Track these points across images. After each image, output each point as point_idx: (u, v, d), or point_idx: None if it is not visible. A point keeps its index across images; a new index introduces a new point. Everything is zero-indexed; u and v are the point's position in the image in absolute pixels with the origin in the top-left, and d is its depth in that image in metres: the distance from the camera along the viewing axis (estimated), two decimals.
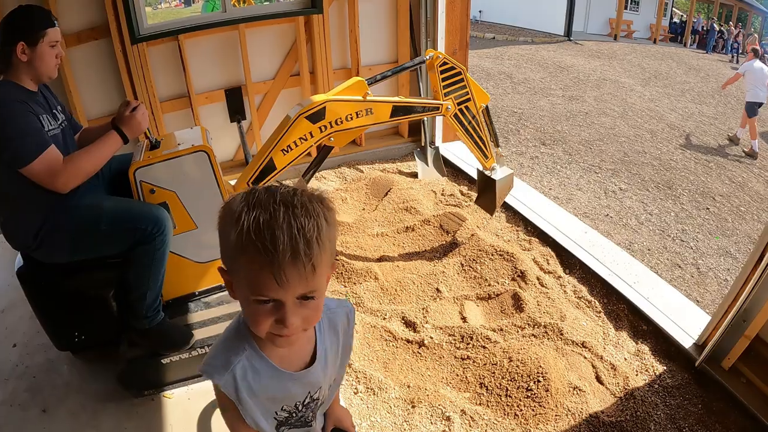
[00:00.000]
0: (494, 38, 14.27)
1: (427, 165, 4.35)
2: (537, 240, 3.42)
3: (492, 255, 3.15)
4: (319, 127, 2.49)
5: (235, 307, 2.32)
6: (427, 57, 2.77)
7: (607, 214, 5.19)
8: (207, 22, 3.75)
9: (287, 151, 2.48)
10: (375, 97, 2.59)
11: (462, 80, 2.86)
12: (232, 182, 3.88)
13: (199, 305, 2.38)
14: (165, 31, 3.62)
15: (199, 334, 2.22)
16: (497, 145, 3.17)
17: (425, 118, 4.41)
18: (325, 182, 4.29)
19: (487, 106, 3.05)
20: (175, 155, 2.11)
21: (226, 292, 2.33)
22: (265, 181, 2.50)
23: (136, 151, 2.23)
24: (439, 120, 4.53)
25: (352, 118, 2.55)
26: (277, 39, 4.08)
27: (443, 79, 2.81)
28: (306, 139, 2.49)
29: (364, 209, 3.87)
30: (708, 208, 5.69)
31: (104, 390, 2.24)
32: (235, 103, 4.09)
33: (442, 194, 3.99)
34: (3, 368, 2.42)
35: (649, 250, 4.78)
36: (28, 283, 2.05)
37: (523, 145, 6.88)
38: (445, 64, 2.78)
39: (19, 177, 1.77)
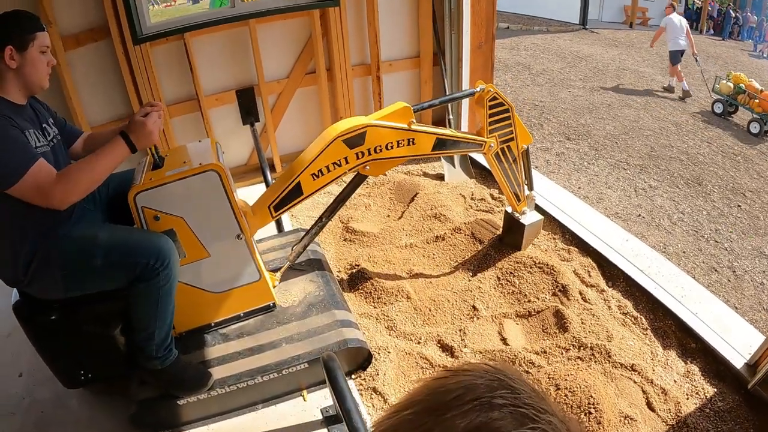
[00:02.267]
0: (508, 28, 13.90)
1: (454, 167, 4.10)
2: (576, 249, 3.19)
3: (530, 267, 2.93)
4: (356, 153, 2.25)
5: (257, 341, 2.14)
6: (478, 89, 2.56)
7: (639, 215, 4.95)
8: (214, 18, 3.49)
9: (317, 176, 2.22)
10: (420, 126, 2.37)
11: (509, 118, 2.67)
12: (244, 190, 3.71)
13: (216, 338, 2.16)
14: (169, 30, 3.37)
15: (217, 373, 2.00)
16: (531, 189, 3.00)
17: (450, 116, 4.16)
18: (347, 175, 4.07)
19: (528, 148, 2.87)
20: (180, 176, 1.87)
21: (246, 322, 2.21)
22: (289, 207, 2.26)
23: (137, 168, 2.00)
24: (464, 118, 4.28)
25: (392, 147, 2.31)
26: (291, 34, 3.83)
27: (490, 115, 2.61)
28: (340, 165, 2.24)
29: (389, 216, 3.65)
30: (739, 206, 5.46)
31: (116, 427, 2.07)
32: (248, 104, 3.86)
33: (472, 198, 3.75)
34: (9, 401, 2.28)
35: (684, 252, 4.55)
36: (25, 319, 1.84)
37: (547, 140, 6.63)
38: (495, 99, 2.59)
39: (3, 204, 1.57)
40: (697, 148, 6.61)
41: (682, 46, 8.69)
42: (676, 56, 8.70)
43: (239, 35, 3.65)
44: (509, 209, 3.06)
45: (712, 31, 15.92)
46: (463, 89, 4.09)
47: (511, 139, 2.72)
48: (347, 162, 2.25)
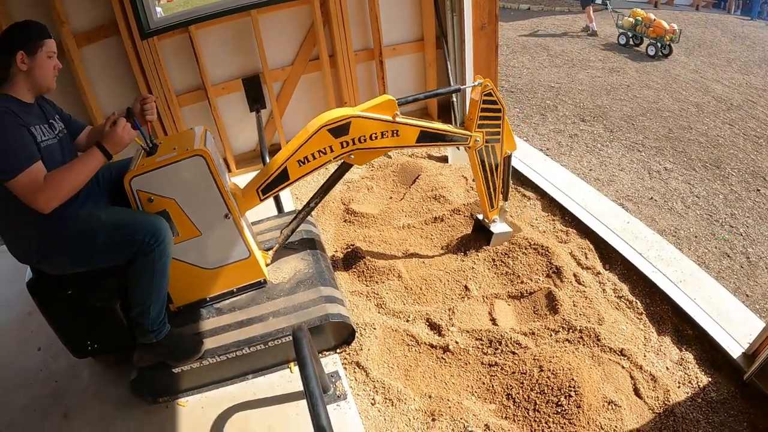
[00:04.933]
0: (529, 9, 13.70)
1: (458, 149, 4.11)
2: (575, 231, 3.19)
3: (526, 248, 2.95)
4: (341, 143, 2.33)
5: (247, 314, 2.26)
6: (476, 83, 2.58)
7: (651, 197, 4.85)
8: (217, 10, 3.59)
9: (303, 163, 2.33)
10: (404, 119, 2.42)
11: (499, 118, 2.67)
12: (237, 179, 3.82)
13: (210, 312, 2.30)
14: (174, 24, 3.49)
15: (210, 343, 2.14)
16: (505, 199, 2.96)
17: (455, 97, 4.17)
18: (351, 170, 4.14)
19: (510, 155, 2.84)
20: (170, 161, 2.00)
21: (238, 298, 2.33)
22: (276, 191, 2.37)
23: (134, 156, 2.15)
24: (470, 98, 4.27)
25: (376, 138, 2.38)
26: (293, 23, 3.90)
27: (482, 110, 2.61)
28: (325, 153, 2.34)
29: (391, 198, 3.71)
30: (758, 190, 5.27)
31: (122, 396, 2.24)
32: (254, 91, 3.96)
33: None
34: (27, 373, 2.46)
35: (695, 237, 4.45)
36: (38, 295, 2.03)
37: (561, 122, 6.52)
38: (490, 95, 2.59)
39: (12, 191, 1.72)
40: (718, 130, 6.41)
41: None
42: (586, 1, 10.72)
43: (242, 25, 3.74)
44: (480, 216, 3.05)
45: (740, 11, 15.25)
46: (466, 73, 4.10)
47: (497, 141, 2.72)
48: (332, 150, 2.34)
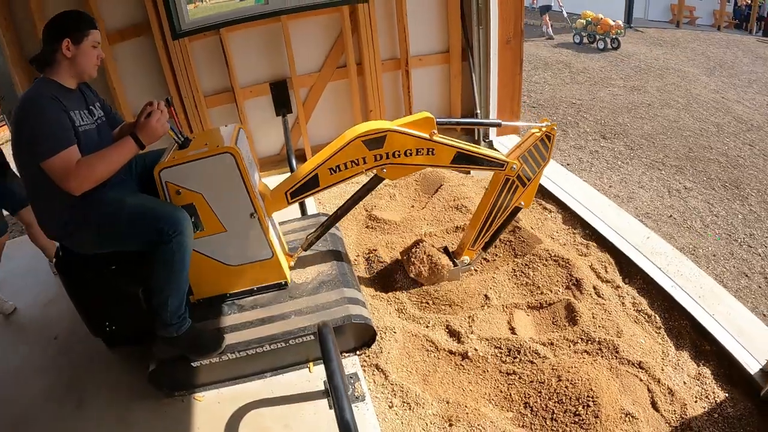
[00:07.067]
0: (564, 27, 13.84)
1: None
2: (595, 245, 3.19)
3: (546, 260, 2.95)
4: (375, 155, 2.31)
5: (269, 312, 2.28)
6: (544, 125, 2.51)
7: (671, 215, 4.84)
8: (248, 15, 3.67)
9: (335, 171, 2.32)
10: (441, 138, 2.36)
11: (539, 165, 2.59)
12: (275, 178, 3.87)
13: (232, 308, 2.32)
14: (206, 26, 3.59)
15: (230, 339, 2.16)
16: (486, 249, 2.84)
17: (478, 110, 4.20)
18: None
19: (518, 210, 2.72)
20: (199, 156, 2.04)
21: (261, 296, 2.35)
22: (305, 196, 2.37)
23: (168, 148, 2.19)
24: (493, 111, 4.30)
25: (410, 154, 2.34)
26: (322, 30, 3.98)
27: (534, 146, 2.52)
28: (357, 164, 2.32)
29: (413, 206, 3.74)
30: None
31: (137, 388, 2.25)
32: (281, 96, 4.03)
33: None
34: (45, 361, 2.51)
35: (714, 255, 4.43)
36: (64, 272, 2.11)
37: (582, 138, 6.56)
38: (549, 139, 2.52)
39: None
40: (738, 150, 6.37)
41: (550, 2, 13.70)
42: (543, 9, 13.33)
43: (272, 31, 3.82)
44: (453, 250, 2.88)
45: (761, 33, 15.20)
46: (491, 86, 4.14)
47: (522, 185, 2.60)
48: (365, 162, 2.32)
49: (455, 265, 2.80)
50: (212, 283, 2.32)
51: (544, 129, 2.50)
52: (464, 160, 2.44)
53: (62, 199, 1.85)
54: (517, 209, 2.71)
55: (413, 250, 2.81)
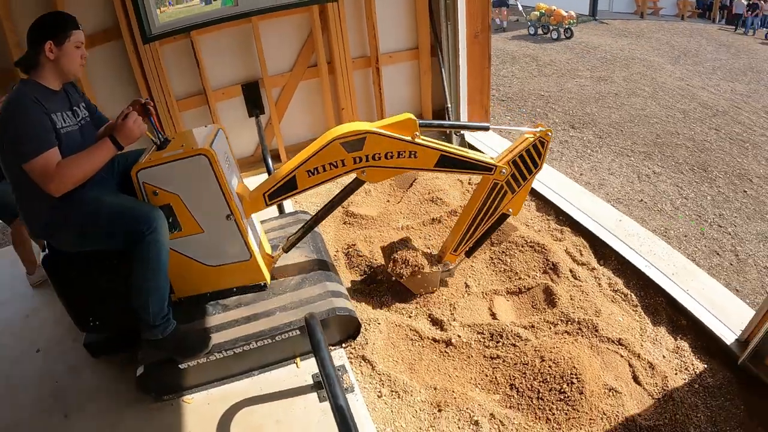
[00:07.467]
0: (517, 21, 14.07)
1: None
2: (569, 230, 3.27)
3: (522, 247, 3.02)
4: (354, 158, 2.24)
5: (253, 310, 2.29)
6: (539, 129, 2.41)
7: (641, 200, 4.98)
8: (218, 17, 3.66)
9: (313, 174, 2.26)
10: (424, 140, 2.28)
11: (531, 172, 2.50)
12: (251, 179, 3.86)
13: (216, 308, 2.33)
14: (176, 29, 3.56)
15: (217, 338, 2.16)
16: (469, 255, 2.77)
17: (449, 104, 4.24)
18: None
19: (506, 217, 2.65)
20: (174, 158, 2.05)
21: (246, 296, 2.35)
22: (283, 198, 2.35)
23: (147, 149, 2.19)
24: (464, 105, 4.36)
25: (391, 157, 2.26)
26: (292, 30, 3.99)
27: (527, 151, 2.43)
28: (336, 166, 2.25)
29: (388, 201, 3.77)
30: (745, 191, 5.43)
31: (124, 395, 2.24)
32: (253, 97, 4.03)
33: (469, 183, 3.84)
34: (28, 374, 2.47)
35: (685, 236, 4.58)
36: (50, 271, 2.11)
37: (551, 129, 6.67)
38: (543, 144, 2.44)
39: None
40: (704, 135, 6.57)
41: None
42: (498, 2, 13.94)
43: (243, 32, 3.81)
44: (437, 252, 2.82)
45: (723, 21, 15.66)
46: (460, 79, 4.19)
47: (512, 191, 2.53)
48: (344, 165, 2.25)
49: (435, 269, 2.71)
50: (192, 282, 2.32)
51: (537, 134, 2.41)
52: (449, 164, 2.34)
53: (43, 200, 1.87)
54: (504, 216, 2.62)
55: (397, 251, 2.72)
